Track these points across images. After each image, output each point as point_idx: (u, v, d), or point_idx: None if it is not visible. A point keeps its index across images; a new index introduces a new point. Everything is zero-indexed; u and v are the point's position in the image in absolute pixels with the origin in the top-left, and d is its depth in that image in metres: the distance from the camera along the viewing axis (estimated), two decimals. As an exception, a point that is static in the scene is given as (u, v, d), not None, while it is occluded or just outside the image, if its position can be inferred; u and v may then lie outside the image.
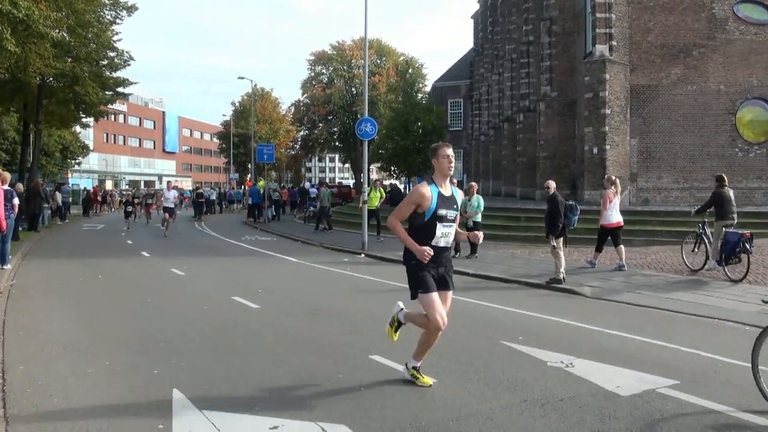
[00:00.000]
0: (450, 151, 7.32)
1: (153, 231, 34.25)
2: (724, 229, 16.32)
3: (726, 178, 17.65)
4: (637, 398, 6.86)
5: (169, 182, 35.48)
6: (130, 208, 37.96)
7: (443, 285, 7.42)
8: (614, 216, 17.64)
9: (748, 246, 15.21)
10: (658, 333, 10.15)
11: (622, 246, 17.55)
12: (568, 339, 9.79)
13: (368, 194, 26.74)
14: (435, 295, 7.25)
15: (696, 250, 17.66)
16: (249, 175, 71.59)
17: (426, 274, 7.25)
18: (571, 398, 6.88)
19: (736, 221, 16.98)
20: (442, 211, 7.10)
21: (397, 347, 8.97)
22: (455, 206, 7.32)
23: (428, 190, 7.08)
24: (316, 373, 7.94)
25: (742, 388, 7.31)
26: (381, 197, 28.87)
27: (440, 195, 7.13)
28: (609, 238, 17.77)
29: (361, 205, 26.75)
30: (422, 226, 7.16)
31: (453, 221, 7.28)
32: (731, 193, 17.25)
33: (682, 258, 17.73)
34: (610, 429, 6.05)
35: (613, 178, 18.46)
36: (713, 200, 17.19)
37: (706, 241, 17.07)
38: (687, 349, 9.10)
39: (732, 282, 15.23)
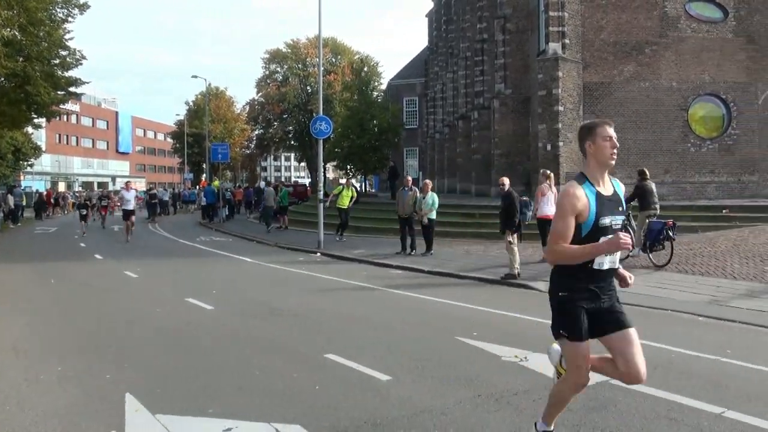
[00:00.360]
0: (612, 131, 5.05)
1: (107, 234, 33.92)
2: (647, 219, 17.57)
3: (647, 172, 18.93)
4: (591, 390, 6.87)
5: (128, 182, 32.54)
6: (84, 211, 35.86)
7: (613, 323, 5.40)
8: (547, 209, 17.64)
9: (671, 233, 16.47)
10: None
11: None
12: (523, 333, 9.86)
13: (340, 192, 26.99)
14: (585, 345, 5.24)
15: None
16: (204, 176, 71.16)
17: (579, 312, 5.28)
18: (525, 392, 6.93)
19: (658, 211, 18.18)
20: (606, 220, 4.91)
21: (354, 346, 8.97)
22: (621, 208, 5.11)
23: (582, 192, 4.87)
24: (271, 373, 7.90)
25: (695, 377, 7.45)
26: (352, 197, 28.32)
27: (599, 197, 4.93)
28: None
29: (328, 203, 26.97)
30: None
31: (620, 229, 5.05)
32: (653, 185, 18.59)
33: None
34: (564, 421, 6.08)
35: (548, 172, 18.83)
36: (636, 193, 18.17)
37: (631, 231, 17.49)
38: (640, 341, 9.15)
39: (657, 267, 16.40)
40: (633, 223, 18.02)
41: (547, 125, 30.48)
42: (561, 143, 30.07)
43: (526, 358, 8.24)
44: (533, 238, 21.78)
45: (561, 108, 30.14)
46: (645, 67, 31.59)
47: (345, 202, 27.24)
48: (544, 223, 17.50)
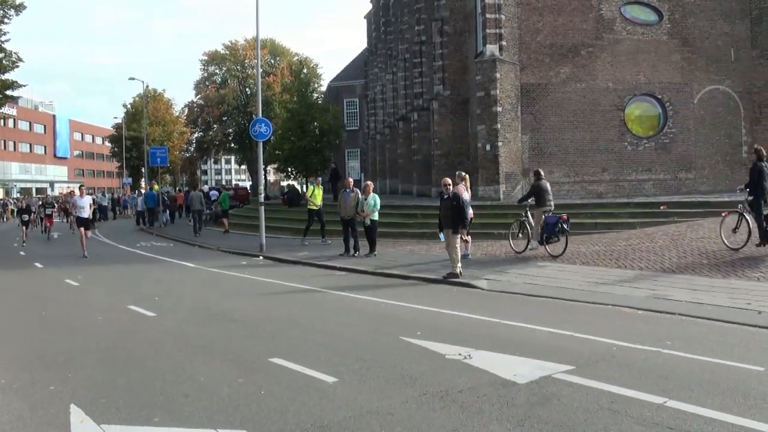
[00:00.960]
0: None
1: (49, 242, 33.37)
2: (543, 214, 19.12)
3: (543, 173, 20.64)
4: (534, 385, 7.03)
5: (81, 186, 28.67)
6: (26, 217, 33.17)
7: None
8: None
9: (565, 226, 18.12)
10: (553, 321, 10.44)
11: (469, 237, 19.13)
12: (466, 331, 9.96)
13: (312, 192, 26.43)
14: None
15: (520, 234, 20.44)
16: (143, 180, 70.32)
17: None
18: (470, 389, 7.00)
19: (553, 207, 19.65)
20: None
21: (299, 349, 8.98)
22: None
23: None
24: (216, 379, 7.87)
25: (637, 369, 7.61)
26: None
27: None
28: None
29: (299, 203, 26.24)
30: None
31: None
32: (548, 185, 20.19)
33: (509, 243, 20.21)
34: (509, 416, 6.17)
35: (463, 174, 19.65)
36: (532, 191, 20.07)
37: (528, 227, 19.87)
38: (582, 335, 9.38)
39: (552, 257, 17.94)
40: (531, 218, 19.90)
41: (486, 126, 30.72)
42: (500, 143, 30.34)
43: (469, 355, 8.33)
44: (475, 237, 22.08)
45: (499, 109, 30.41)
46: (581, 69, 32.09)
47: (318, 200, 26.30)
48: None
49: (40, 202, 41.55)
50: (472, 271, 16.29)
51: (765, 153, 16.21)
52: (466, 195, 18.45)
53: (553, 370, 7.51)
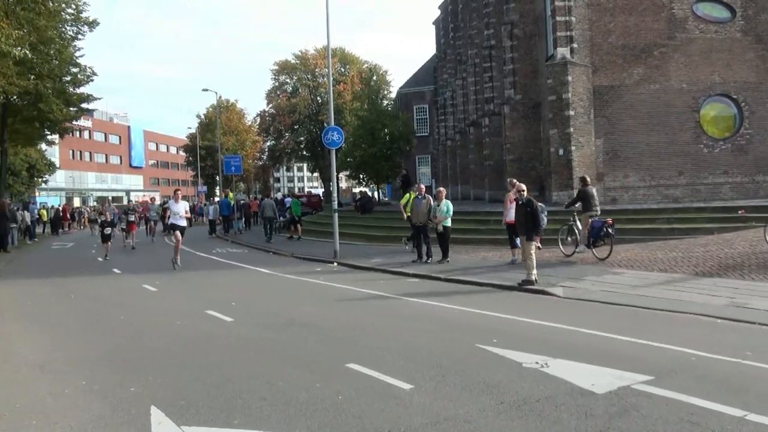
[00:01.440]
0: None
1: (129, 250, 34.01)
2: (589, 219, 19.92)
3: (589, 179, 21.76)
4: (613, 395, 6.93)
5: (177, 191, 24.99)
6: (109, 230, 29.45)
7: None
8: (513, 215, 18.51)
9: (610, 231, 19.09)
10: (631, 330, 10.26)
11: (516, 248, 19.46)
12: (543, 339, 9.86)
13: (407, 200, 23.65)
14: None
15: (569, 239, 20.98)
16: (217, 188, 71.28)
17: None
18: (547, 398, 6.94)
19: (599, 213, 20.51)
20: None
21: (375, 355, 9.01)
22: None
23: None
24: (293, 383, 7.94)
25: (717, 381, 7.44)
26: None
27: None
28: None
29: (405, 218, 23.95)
30: None
31: None
32: (594, 190, 21.36)
33: (559, 247, 20.90)
34: (587, 427, 6.11)
35: (514, 181, 19.86)
36: (579, 197, 20.94)
37: (576, 231, 20.55)
38: (660, 345, 9.20)
39: (599, 260, 18.69)
40: (578, 223, 20.60)
41: (558, 130, 30.49)
42: (573, 147, 30.06)
43: (546, 364, 8.25)
44: (549, 243, 21.94)
45: (572, 112, 30.15)
46: (654, 70, 31.58)
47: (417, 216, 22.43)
48: (512, 227, 19.01)
49: (123, 211, 39.36)
50: (548, 278, 16.12)
51: None
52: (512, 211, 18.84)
53: (631, 381, 7.40)
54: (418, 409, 6.78)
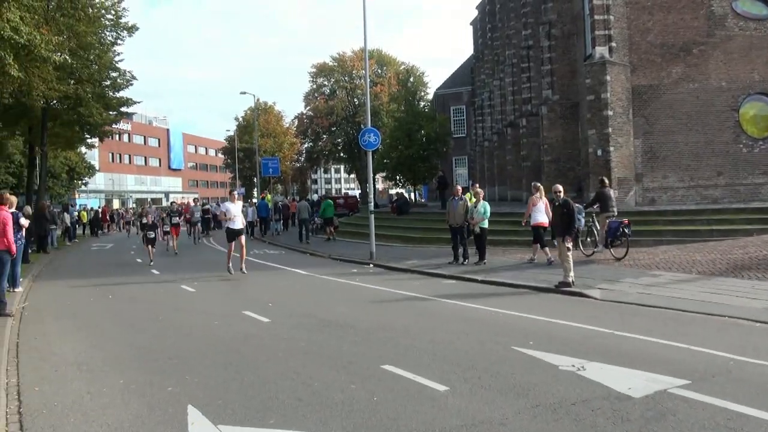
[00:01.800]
0: None
1: (161, 249, 34.32)
2: (606, 220, 20.71)
3: (607, 180, 23.28)
4: (650, 399, 6.88)
5: (232, 192, 23.79)
6: (152, 234, 27.02)
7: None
8: (538, 217, 20.59)
9: (627, 231, 19.66)
10: (668, 333, 10.17)
11: (546, 247, 20.41)
12: (579, 342, 9.81)
13: (474, 206, 21.63)
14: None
15: (588, 239, 21.84)
16: (255, 189, 71.63)
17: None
18: (583, 402, 6.90)
19: (616, 213, 21.44)
20: None
21: (410, 356, 9.02)
22: None
23: None
24: (329, 384, 7.98)
25: (754, 385, 7.34)
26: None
27: None
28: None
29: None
30: None
31: None
32: (611, 192, 22.62)
33: (579, 248, 21.21)
34: (624, 431, 6.08)
35: (538, 185, 21.46)
36: (596, 198, 21.81)
37: (595, 231, 21.41)
38: (697, 348, 9.11)
39: (617, 260, 19.44)
40: (597, 224, 21.46)
41: (596, 130, 30.23)
42: (612, 148, 29.78)
43: (583, 367, 8.20)
44: (587, 244, 21.83)
45: (610, 112, 29.88)
46: (693, 68, 31.15)
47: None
48: (537, 229, 20.60)
49: (165, 212, 35.98)
50: (585, 280, 16.02)
51: None
52: (540, 204, 20.62)
53: (668, 384, 7.33)
54: (453, 411, 6.78)
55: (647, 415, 6.44)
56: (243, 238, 21.50)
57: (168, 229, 32.45)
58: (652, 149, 31.07)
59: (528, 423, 6.40)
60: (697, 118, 30.94)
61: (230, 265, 21.00)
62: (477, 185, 24.48)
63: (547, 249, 20.32)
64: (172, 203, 37.95)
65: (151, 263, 25.74)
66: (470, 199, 21.93)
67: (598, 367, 8.18)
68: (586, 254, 21.05)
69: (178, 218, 33.05)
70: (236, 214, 21.32)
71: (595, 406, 6.73)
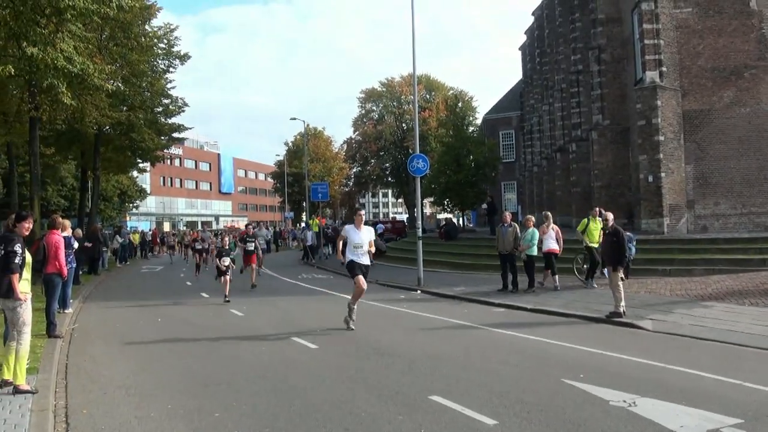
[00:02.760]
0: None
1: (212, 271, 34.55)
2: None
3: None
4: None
5: (359, 211, 16.86)
6: (226, 262, 21.82)
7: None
8: (550, 244, 21.49)
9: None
10: (722, 368, 9.97)
11: (556, 275, 21.35)
12: (631, 376, 9.65)
13: (584, 227, 22.14)
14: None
15: (585, 266, 22.23)
16: (304, 214, 71.91)
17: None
18: (635, 439, 6.78)
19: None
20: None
21: (458, 387, 8.95)
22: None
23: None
24: (376, 414, 7.96)
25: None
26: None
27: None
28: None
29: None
30: None
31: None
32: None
33: (575, 274, 22.45)
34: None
35: (548, 214, 22.80)
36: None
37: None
38: (751, 385, 8.91)
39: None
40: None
41: (647, 156, 29.89)
42: (663, 174, 29.41)
43: (634, 402, 8.07)
44: (637, 273, 21.57)
45: (661, 138, 29.53)
46: (745, 92, 30.62)
47: (595, 239, 21.19)
48: (549, 256, 21.43)
49: (239, 238, 30.66)
50: (636, 310, 15.79)
51: None
52: (551, 231, 21.62)
53: (720, 423, 7.19)
54: (502, 447, 6.71)
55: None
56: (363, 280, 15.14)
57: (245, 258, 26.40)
58: (704, 175, 30.61)
59: (578, 460, 6.32)
60: (749, 144, 30.39)
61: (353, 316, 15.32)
62: (529, 216, 24.28)
63: (556, 277, 21.28)
64: (248, 227, 31.53)
65: (227, 300, 20.88)
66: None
67: (650, 403, 8.04)
68: (582, 280, 22.07)
69: (253, 245, 26.59)
70: (360, 244, 15.08)
71: (646, 444, 6.62)
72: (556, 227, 22.03)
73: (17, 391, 8.96)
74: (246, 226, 33.26)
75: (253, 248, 26.19)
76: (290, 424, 7.68)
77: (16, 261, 9.22)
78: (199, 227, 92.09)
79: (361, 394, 9.00)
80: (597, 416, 7.64)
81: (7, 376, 9.12)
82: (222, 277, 21.51)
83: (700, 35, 30.82)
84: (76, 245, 17.69)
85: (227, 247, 22.13)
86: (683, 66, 30.80)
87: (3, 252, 9.22)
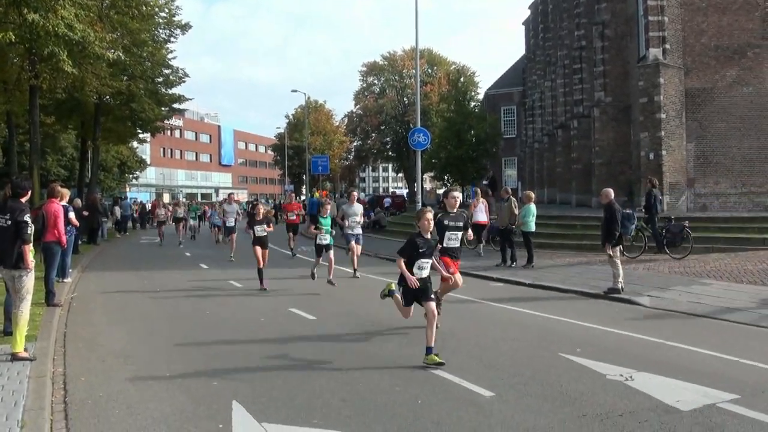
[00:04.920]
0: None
1: (211, 242, 34.51)
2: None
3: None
4: (698, 413, 6.76)
5: (351, 192, 21.91)
6: (261, 230, 18.48)
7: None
8: (478, 216, 23.27)
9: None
10: (718, 344, 9.99)
11: (481, 242, 24.19)
12: (628, 351, 9.67)
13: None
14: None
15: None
16: (314, 186, 71.82)
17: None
18: (630, 413, 6.81)
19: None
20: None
21: (456, 360, 8.97)
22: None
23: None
24: (374, 385, 7.99)
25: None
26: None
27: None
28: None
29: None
30: None
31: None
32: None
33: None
34: (672, 444, 5.99)
35: (477, 189, 25.03)
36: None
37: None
38: (748, 362, 8.95)
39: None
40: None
41: (649, 133, 29.81)
42: (664, 152, 29.35)
43: (631, 377, 8.09)
44: (636, 250, 21.59)
45: (663, 115, 29.43)
46: (748, 71, 30.45)
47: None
48: (476, 227, 22.73)
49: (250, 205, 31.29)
50: (634, 286, 15.81)
51: None
52: (480, 205, 23.57)
53: (717, 399, 7.20)
54: (498, 419, 6.73)
55: (695, 430, 6.33)
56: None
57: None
58: (705, 154, 30.55)
59: (574, 432, 6.34)
60: (750, 123, 30.28)
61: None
62: (529, 192, 24.37)
63: (482, 245, 24.22)
64: (290, 191, 33.06)
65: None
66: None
67: (647, 377, 8.06)
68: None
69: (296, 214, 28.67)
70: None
71: (642, 418, 6.64)
72: (485, 201, 24.35)
73: (15, 358, 8.99)
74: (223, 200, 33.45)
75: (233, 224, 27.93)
76: (287, 393, 7.71)
77: (29, 231, 9.27)
78: (199, 198, 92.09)
79: (358, 365, 9.03)
80: (594, 390, 7.65)
81: (19, 348, 9.21)
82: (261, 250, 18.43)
83: (705, 12, 30.63)
84: (72, 217, 17.54)
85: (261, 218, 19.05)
86: (687, 43, 30.64)
87: (11, 222, 9.23)
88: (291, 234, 27.64)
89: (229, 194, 29.47)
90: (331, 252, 18.05)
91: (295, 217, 28.09)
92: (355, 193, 21.17)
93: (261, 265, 17.79)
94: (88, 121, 41.65)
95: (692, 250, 21.14)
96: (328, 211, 18.18)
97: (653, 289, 15.54)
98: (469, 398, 7.43)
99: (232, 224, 27.18)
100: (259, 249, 17.91)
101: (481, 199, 24.10)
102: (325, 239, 17.98)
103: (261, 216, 18.58)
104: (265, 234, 18.38)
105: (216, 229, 34.99)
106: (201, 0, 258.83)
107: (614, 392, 7.54)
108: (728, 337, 10.79)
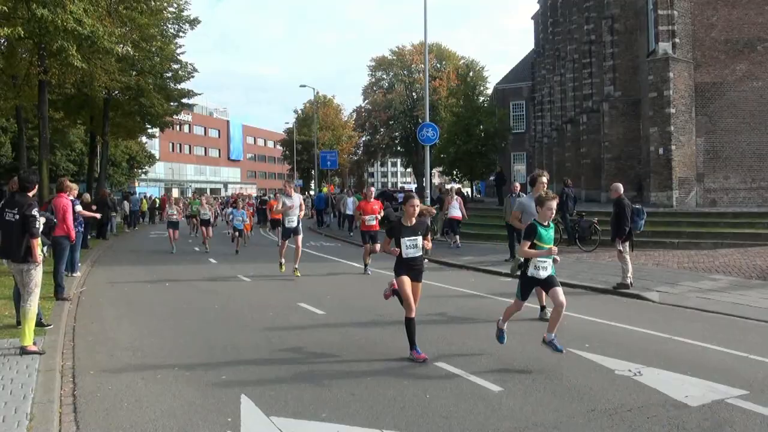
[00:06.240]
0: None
1: (220, 238, 34.59)
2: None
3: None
4: (707, 409, 6.74)
5: (288, 182, 20.83)
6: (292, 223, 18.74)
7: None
8: (452, 212, 26.22)
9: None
10: (727, 340, 9.97)
11: (456, 234, 26.36)
12: (636, 346, 9.66)
13: None
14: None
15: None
16: (312, 182, 71.85)
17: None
18: (639, 408, 6.80)
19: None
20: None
21: (464, 355, 8.97)
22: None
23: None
24: (382, 380, 8.00)
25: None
26: None
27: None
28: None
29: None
30: None
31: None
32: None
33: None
34: (681, 440, 5.97)
35: (447, 188, 28.18)
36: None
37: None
38: (757, 357, 8.92)
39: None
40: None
41: (658, 128, 29.70)
42: (674, 147, 29.23)
43: (639, 372, 8.09)
44: (645, 246, 21.53)
45: (673, 110, 29.32)
46: (758, 66, 30.27)
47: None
48: (452, 221, 26.38)
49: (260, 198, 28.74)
50: (643, 282, 15.78)
51: None
52: (454, 202, 26.30)
53: (725, 394, 7.19)
54: (507, 413, 6.75)
55: (704, 425, 6.32)
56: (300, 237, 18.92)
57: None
58: (714, 149, 30.43)
59: (582, 428, 6.33)
60: (760, 118, 30.12)
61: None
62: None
63: (457, 237, 26.18)
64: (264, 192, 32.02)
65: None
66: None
67: (655, 372, 8.05)
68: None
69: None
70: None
71: (650, 413, 6.63)
72: (459, 199, 27.21)
73: (25, 351, 9.02)
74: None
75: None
76: (296, 387, 7.73)
77: (37, 225, 9.32)
78: (209, 193, 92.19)
79: (366, 359, 9.08)
80: (602, 385, 7.65)
81: (28, 341, 9.24)
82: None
83: (714, 6, 30.48)
84: (79, 209, 17.52)
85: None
86: (696, 38, 30.50)
87: (20, 216, 9.27)
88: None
89: (285, 181, 23.09)
90: (300, 237, 18.89)
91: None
92: (373, 189, 23.41)
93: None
94: (97, 116, 41.66)
95: (600, 242, 22.90)
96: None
97: (662, 285, 15.50)
98: (478, 392, 7.44)
99: (294, 224, 18.90)
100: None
101: (456, 197, 27.09)
102: (294, 222, 18.45)
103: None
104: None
105: (236, 233, 27.72)
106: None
107: (623, 387, 7.54)
108: (737, 332, 10.76)
